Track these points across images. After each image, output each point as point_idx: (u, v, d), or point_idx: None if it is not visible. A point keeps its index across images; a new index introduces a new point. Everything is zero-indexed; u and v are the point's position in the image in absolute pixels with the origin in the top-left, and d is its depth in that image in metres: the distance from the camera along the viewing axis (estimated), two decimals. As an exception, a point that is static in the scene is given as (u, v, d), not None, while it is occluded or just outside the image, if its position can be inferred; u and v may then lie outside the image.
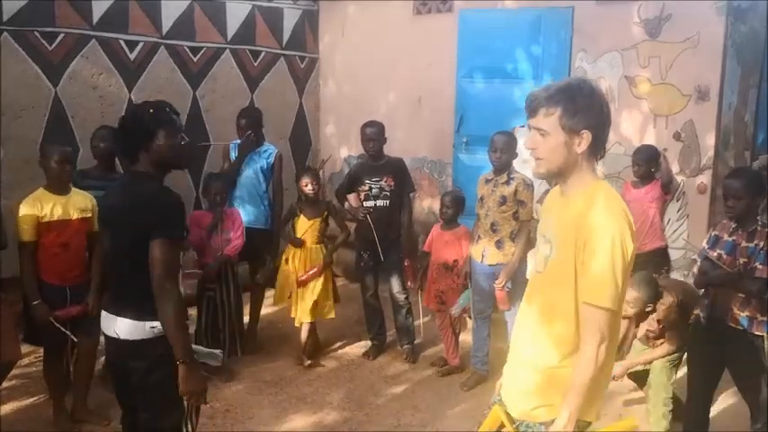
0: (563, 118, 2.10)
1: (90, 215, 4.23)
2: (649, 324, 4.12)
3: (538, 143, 2.16)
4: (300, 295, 5.21)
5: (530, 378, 2.24)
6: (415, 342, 5.57)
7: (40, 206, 4.02)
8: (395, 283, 5.39)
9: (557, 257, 2.15)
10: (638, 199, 5.25)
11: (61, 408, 4.29)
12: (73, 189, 4.22)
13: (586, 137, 2.10)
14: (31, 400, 4.58)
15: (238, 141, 5.55)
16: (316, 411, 4.57)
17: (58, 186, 4.11)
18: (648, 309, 4.03)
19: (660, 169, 5.35)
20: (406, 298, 5.43)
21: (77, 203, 4.18)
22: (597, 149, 2.16)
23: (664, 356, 4.09)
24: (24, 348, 5.13)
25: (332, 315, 5.39)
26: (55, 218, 4.04)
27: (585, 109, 2.09)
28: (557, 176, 2.21)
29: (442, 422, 4.49)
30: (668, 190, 5.40)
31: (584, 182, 2.17)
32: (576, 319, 2.12)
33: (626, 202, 5.18)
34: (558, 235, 2.17)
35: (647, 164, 5.28)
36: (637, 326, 4.27)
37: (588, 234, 2.05)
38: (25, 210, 4.01)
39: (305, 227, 5.23)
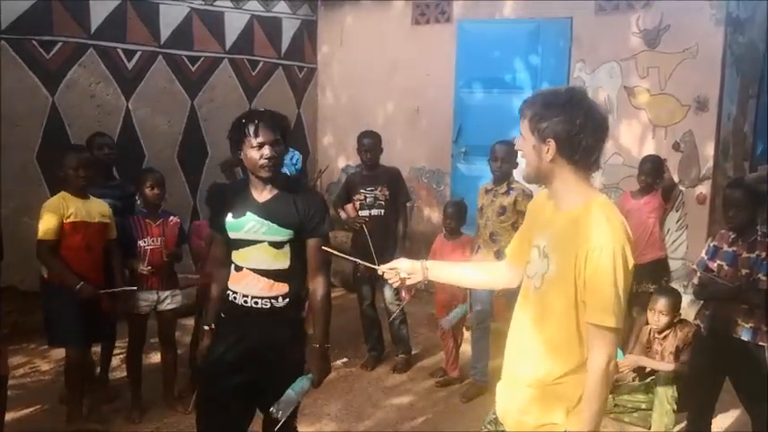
0: (531, 122, 2.11)
1: (108, 221, 4.27)
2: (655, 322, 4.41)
3: (520, 145, 2.20)
4: None
5: (530, 395, 2.20)
6: (412, 352, 5.55)
7: (65, 206, 4.04)
8: (388, 293, 5.36)
9: (555, 274, 2.11)
10: (637, 209, 5.24)
11: (76, 414, 4.25)
12: (91, 197, 4.24)
13: (551, 147, 2.07)
14: (28, 410, 4.53)
15: None
16: (314, 423, 4.52)
17: (77, 191, 4.13)
18: (676, 319, 4.39)
19: (663, 178, 5.34)
20: (400, 308, 5.41)
21: (98, 209, 4.23)
22: (579, 161, 2.09)
23: (673, 371, 4.23)
24: (19, 359, 5.15)
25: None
26: (79, 218, 4.08)
27: (554, 117, 2.05)
28: (537, 181, 2.22)
29: (441, 433, 4.46)
30: (669, 197, 5.39)
31: (577, 194, 2.13)
32: (577, 335, 2.09)
33: (625, 212, 5.24)
34: (556, 251, 2.12)
35: (655, 174, 5.27)
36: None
37: (589, 252, 2.01)
38: (51, 210, 4.02)
39: None
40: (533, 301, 2.20)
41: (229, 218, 2.95)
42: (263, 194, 2.96)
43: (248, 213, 2.93)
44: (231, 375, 2.99)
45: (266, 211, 2.93)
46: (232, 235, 2.96)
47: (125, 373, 4.68)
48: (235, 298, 3.00)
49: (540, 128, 2.08)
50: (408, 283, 2.56)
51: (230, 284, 3.02)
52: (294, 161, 5.65)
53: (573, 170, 2.11)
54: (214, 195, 3.33)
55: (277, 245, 2.93)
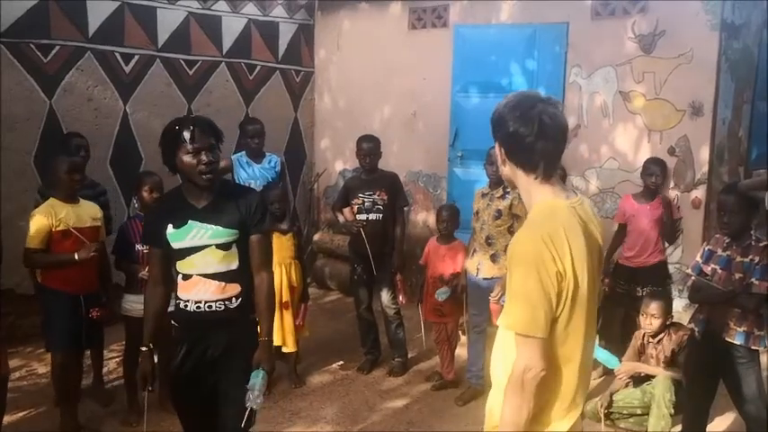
0: (491, 129, 2.17)
1: (99, 224, 4.28)
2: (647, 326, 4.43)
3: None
4: (284, 319, 4.94)
5: (494, 397, 2.22)
6: (409, 356, 5.56)
7: (54, 214, 4.05)
8: (385, 297, 5.38)
9: (507, 279, 2.15)
10: (642, 213, 5.22)
11: (69, 418, 4.27)
12: (81, 199, 4.26)
13: (500, 150, 2.15)
14: (24, 413, 4.55)
15: (242, 153, 5.59)
16: (310, 426, 4.54)
17: (68, 196, 4.14)
18: (669, 322, 4.43)
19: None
20: (397, 312, 5.42)
21: (89, 212, 4.24)
22: (524, 164, 2.11)
23: (669, 375, 4.25)
24: (16, 362, 5.15)
25: (307, 333, 5.33)
26: (71, 224, 4.08)
27: (498, 122, 2.12)
28: (509, 185, 2.34)
29: (437, 437, 4.47)
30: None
31: (531, 199, 2.17)
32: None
33: (629, 216, 5.24)
34: None
35: (663, 175, 5.37)
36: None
37: (509, 259, 2.06)
38: (39, 218, 4.03)
39: (280, 243, 4.95)
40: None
41: (170, 229, 2.93)
42: (200, 201, 2.95)
43: (190, 221, 2.92)
44: (196, 385, 3.01)
45: (208, 215, 2.93)
46: (176, 245, 2.93)
47: (122, 376, 4.70)
48: (186, 306, 2.99)
49: (493, 133, 2.16)
50: None
51: (180, 294, 3.02)
52: (273, 164, 5.65)
53: (522, 173, 2.14)
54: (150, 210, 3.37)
55: (224, 246, 2.93)
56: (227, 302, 2.97)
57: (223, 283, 2.96)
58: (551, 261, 1.97)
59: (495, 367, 2.23)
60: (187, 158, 2.83)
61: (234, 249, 2.96)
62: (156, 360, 3.03)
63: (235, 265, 2.97)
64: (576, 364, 2.10)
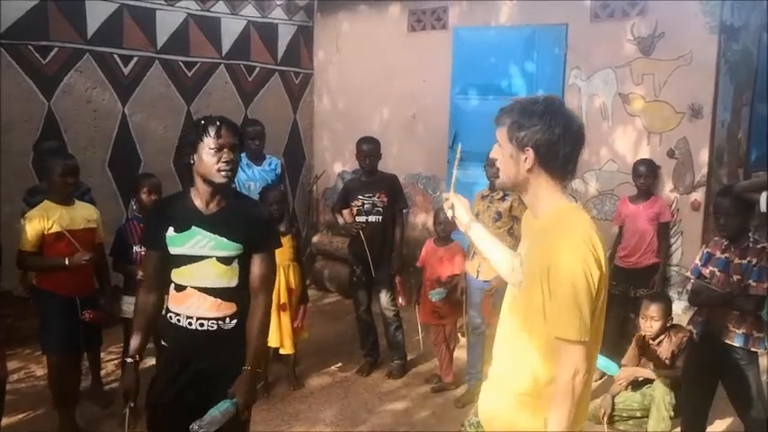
0: (510, 131, 2.10)
1: (95, 226, 4.26)
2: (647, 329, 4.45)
3: (496, 153, 2.18)
4: (282, 321, 4.91)
5: (503, 401, 2.21)
6: (408, 358, 5.55)
7: (46, 217, 4.03)
8: (384, 299, 5.37)
9: (526, 284, 2.12)
10: (636, 214, 5.27)
11: (68, 421, 4.26)
12: (77, 201, 4.25)
13: (530, 155, 2.07)
14: (23, 415, 4.54)
15: (242, 155, 5.58)
16: (309, 428, 4.53)
17: (62, 198, 4.13)
18: (669, 324, 4.46)
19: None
20: (396, 314, 5.42)
21: (83, 214, 4.22)
22: (555, 171, 2.10)
23: (669, 377, 4.27)
24: (14, 364, 5.14)
25: (306, 335, 5.32)
26: (63, 227, 4.06)
27: (531, 127, 2.05)
28: (512, 190, 2.26)
29: (436, 439, 4.46)
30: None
31: (549, 203, 2.13)
32: (547, 349, 2.07)
33: (623, 217, 5.27)
34: (527, 262, 2.14)
35: (652, 176, 5.45)
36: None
37: (550, 264, 2.00)
38: (32, 221, 4.02)
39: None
40: (512, 309, 2.22)
41: (170, 232, 2.77)
42: (209, 206, 2.79)
43: (193, 227, 2.76)
44: (179, 405, 2.82)
45: (213, 224, 2.76)
46: (174, 251, 2.78)
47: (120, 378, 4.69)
48: (178, 320, 2.82)
49: (519, 136, 2.08)
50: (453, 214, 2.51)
51: (171, 306, 2.86)
52: (273, 167, 5.64)
53: (548, 179, 2.11)
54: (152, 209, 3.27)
55: (225, 260, 2.77)
56: (220, 322, 2.80)
57: (219, 300, 2.79)
58: (595, 265, 1.98)
59: (503, 371, 2.21)
60: (207, 155, 2.68)
61: (235, 265, 2.79)
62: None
63: (234, 282, 2.80)
64: (594, 365, 2.12)
